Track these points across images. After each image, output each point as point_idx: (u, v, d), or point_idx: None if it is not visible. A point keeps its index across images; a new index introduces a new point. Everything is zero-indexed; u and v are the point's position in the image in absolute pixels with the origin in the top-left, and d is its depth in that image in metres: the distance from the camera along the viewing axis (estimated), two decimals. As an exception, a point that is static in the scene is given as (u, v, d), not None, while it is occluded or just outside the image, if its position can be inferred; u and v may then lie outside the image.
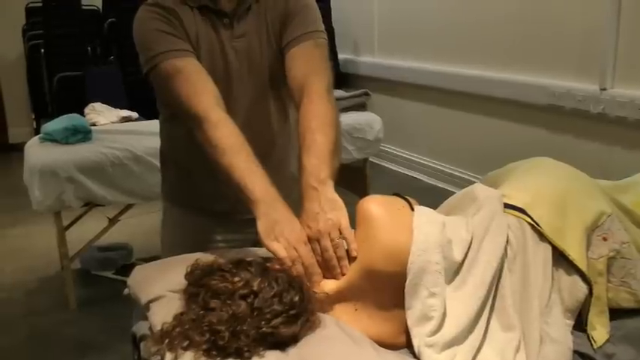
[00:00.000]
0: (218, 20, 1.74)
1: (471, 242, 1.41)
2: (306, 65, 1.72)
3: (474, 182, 1.66)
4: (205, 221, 1.90)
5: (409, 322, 1.33)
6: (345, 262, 1.41)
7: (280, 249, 1.40)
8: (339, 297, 1.40)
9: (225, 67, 1.75)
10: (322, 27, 1.80)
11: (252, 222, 1.50)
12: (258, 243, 1.67)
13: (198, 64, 1.68)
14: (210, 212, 1.90)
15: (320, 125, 1.58)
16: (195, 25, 1.72)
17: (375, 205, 1.40)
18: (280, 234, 1.42)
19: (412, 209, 1.44)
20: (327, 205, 1.45)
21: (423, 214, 1.43)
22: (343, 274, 1.40)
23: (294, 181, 1.93)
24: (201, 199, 1.90)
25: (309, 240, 1.43)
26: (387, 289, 1.36)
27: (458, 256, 1.38)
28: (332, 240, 1.41)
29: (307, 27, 1.76)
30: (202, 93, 1.63)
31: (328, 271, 1.42)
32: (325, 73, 1.72)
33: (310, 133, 1.57)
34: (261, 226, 1.45)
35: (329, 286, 1.41)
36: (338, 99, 4.32)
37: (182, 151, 1.89)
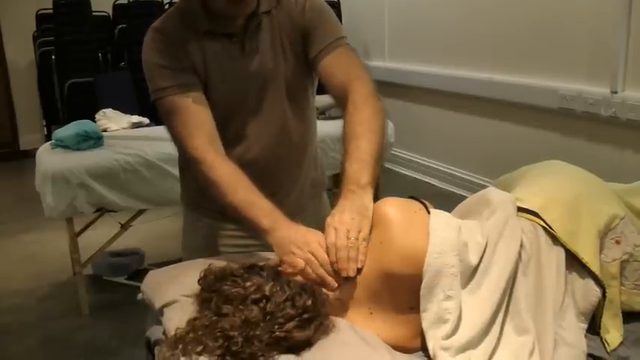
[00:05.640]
0: (227, 40, 1.72)
1: (485, 246, 1.40)
2: (346, 72, 1.71)
3: (485, 186, 1.66)
4: (226, 225, 1.90)
5: (424, 325, 1.33)
6: (354, 265, 1.38)
7: (295, 260, 1.40)
8: (354, 299, 1.39)
9: (240, 84, 1.74)
10: (343, 31, 1.79)
11: None
12: None
13: (198, 99, 1.68)
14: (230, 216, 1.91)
15: (365, 132, 1.57)
16: (202, 49, 1.70)
17: (391, 208, 1.41)
18: (293, 244, 1.43)
19: (428, 212, 1.44)
20: (359, 208, 1.44)
21: (439, 217, 1.42)
22: (348, 275, 1.38)
23: (313, 189, 1.93)
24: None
25: (327, 228, 1.43)
26: (402, 292, 1.36)
27: (473, 259, 1.38)
28: (348, 238, 1.40)
29: (333, 35, 1.74)
30: (196, 135, 1.64)
31: (337, 264, 1.39)
32: (366, 77, 1.72)
33: (355, 139, 1.56)
34: (277, 249, 1.48)
35: (342, 287, 1.40)
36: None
37: None
